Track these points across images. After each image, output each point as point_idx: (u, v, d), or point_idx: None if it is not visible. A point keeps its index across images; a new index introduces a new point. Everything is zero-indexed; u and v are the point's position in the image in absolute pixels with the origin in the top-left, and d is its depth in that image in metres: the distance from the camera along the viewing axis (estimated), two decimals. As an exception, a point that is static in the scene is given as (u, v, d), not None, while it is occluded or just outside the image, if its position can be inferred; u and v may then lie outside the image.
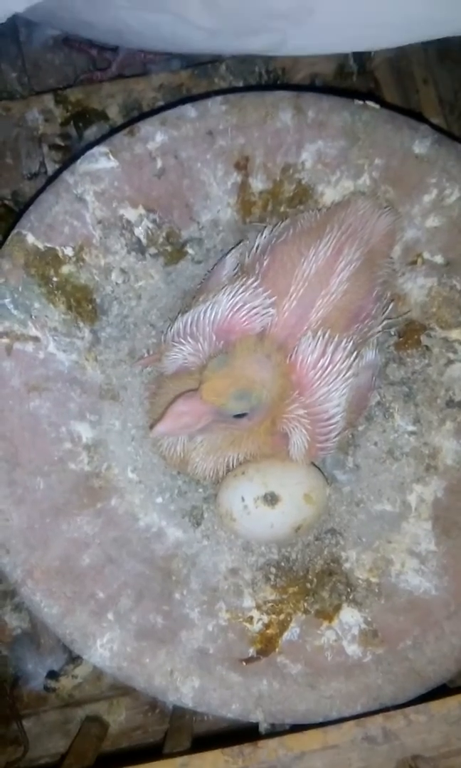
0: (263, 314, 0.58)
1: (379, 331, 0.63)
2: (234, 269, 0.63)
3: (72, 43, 0.89)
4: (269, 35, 0.66)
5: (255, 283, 0.58)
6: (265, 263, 0.60)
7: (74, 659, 0.74)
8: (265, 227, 0.64)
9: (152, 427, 0.57)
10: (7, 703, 0.74)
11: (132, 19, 0.67)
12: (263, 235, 0.63)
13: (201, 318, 0.58)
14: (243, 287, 0.58)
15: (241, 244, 0.66)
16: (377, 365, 0.64)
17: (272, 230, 0.63)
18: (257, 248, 0.63)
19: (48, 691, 0.75)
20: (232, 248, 0.66)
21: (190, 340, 0.58)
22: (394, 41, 0.72)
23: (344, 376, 0.58)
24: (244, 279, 0.59)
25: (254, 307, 0.57)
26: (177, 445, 0.61)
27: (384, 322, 0.64)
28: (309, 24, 0.62)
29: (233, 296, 0.58)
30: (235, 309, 0.57)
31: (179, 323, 0.60)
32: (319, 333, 0.57)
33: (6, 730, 0.73)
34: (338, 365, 0.57)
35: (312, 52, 0.76)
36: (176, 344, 0.59)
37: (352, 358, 0.58)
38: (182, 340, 0.58)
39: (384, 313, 0.63)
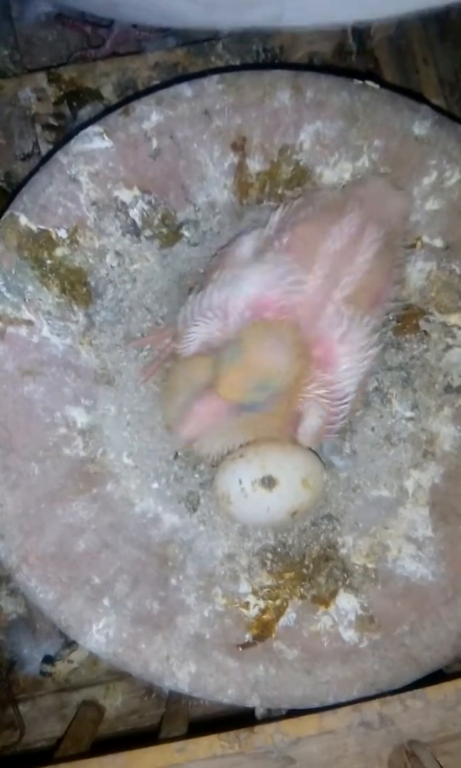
0: (297, 292, 0.56)
1: (390, 317, 0.63)
2: (256, 247, 0.62)
3: (65, 19, 0.87)
4: (265, 8, 0.65)
5: (286, 261, 0.57)
6: (285, 241, 0.59)
7: (70, 644, 0.74)
8: (278, 206, 0.63)
9: (172, 430, 0.56)
10: (3, 688, 0.74)
11: (126, -10, 0.66)
12: (279, 214, 0.62)
13: (231, 294, 0.57)
14: (279, 265, 0.57)
15: (258, 227, 0.64)
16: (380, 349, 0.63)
17: (286, 208, 0.62)
18: (273, 226, 0.61)
19: (44, 676, 0.75)
20: (249, 229, 0.64)
21: (219, 315, 0.57)
22: (392, 11, 0.70)
23: (365, 354, 0.57)
24: (275, 256, 0.58)
25: (291, 285, 0.56)
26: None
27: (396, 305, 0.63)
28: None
29: (267, 272, 0.56)
30: (270, 286, 0.56)
31: (202, 299, 0.58)
32: (343, 309, 0.57)
33: (2, 715, 0.73)
34: (359, 341, 0.57)
35: (309, 24, 0.74)
36: (200, 321, 0.57)
37: (375, 337, 0.58)
38: (210, 316, 0.57)
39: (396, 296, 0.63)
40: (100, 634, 0.58)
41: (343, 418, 0.59)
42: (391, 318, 0.67)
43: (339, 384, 0.57)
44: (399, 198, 0.63)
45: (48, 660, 0.74)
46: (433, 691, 0.54)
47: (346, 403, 0.58)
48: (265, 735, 0.53)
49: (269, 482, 0.59)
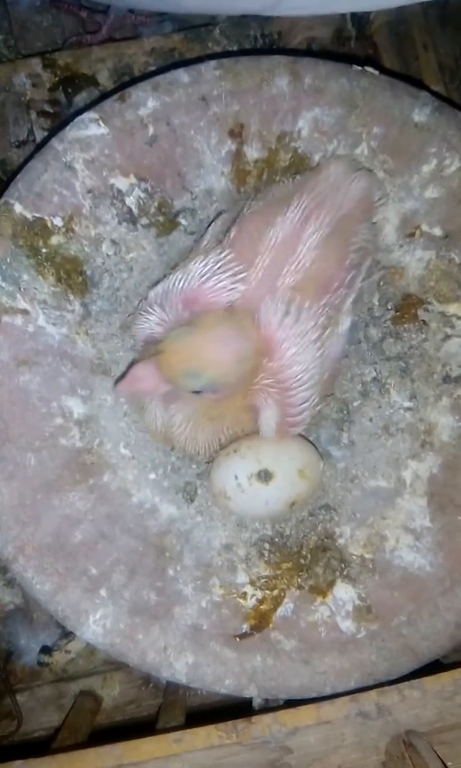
0: (232, 288, 0.56)
1: (356, 298, 0.62)
2: (212, 240, 0.61)
3: (60, 4, 0.86)
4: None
5: (228, 255, 0.56)
6: (232, 235, 0.58)
7: (67, 634, 0.74)
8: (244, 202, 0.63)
9: (115, 382, 0.57)
10: (0, 678, 0.74)
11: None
12: (239, 207, 0.62)
13: (170, 287, 0.57)
14: (214, 259, 0.56)
15: (221, 215, 0.64)
16: (349, 335, 0.62)
17: (247, 202, 0.62)
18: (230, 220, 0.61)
19: (41, 666, 0.75)
20: (212, 220, 0.64)
21: (156, 309, 0.57)
22: (393, 2, 0.70)
23: (312, 338, 0.56)
24: (217, 250, 0.57)
25: (223, 280, 0.56)
26: (157, 420, 0.60)
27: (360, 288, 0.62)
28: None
29: (203, 266, 0.56)
30: (203, 279, 0.56)
31: (152, 292, 0.59)
32: (284, 297, 0.56)
33: (-1, 705, 0.73)
34: (304, 325, 0.56)
35: (308, 12, 0.73)
36: (143, 313, 0.58)
37: (320, 322, 0.56)
38: (150, 310, 0.57)
39: (362, 281, 0.61)
40: (97, 625, 0.58)
41: (307, 408, 0.58)
42: (389, 307, 0.67)
43: (288, 372, 0.56)
44: (357, 180, 0.61)
45: (45, 650, 0.74)
46: (431, 682, 0.54)
47: (303, 389, 0.57)
48: (262, 725, 0.53)
49: (265, 476, 0.59)
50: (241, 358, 0.54)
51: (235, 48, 0.84)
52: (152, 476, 0.63)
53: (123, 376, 0.57)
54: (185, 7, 0.74)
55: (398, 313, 0.66)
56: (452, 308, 0.65)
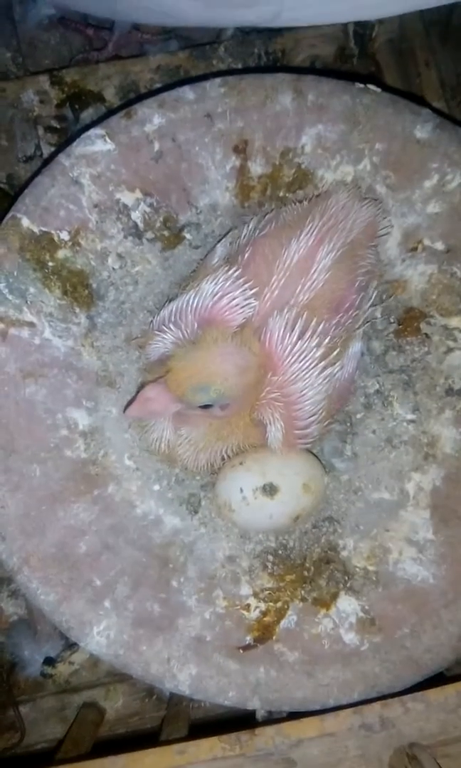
0: (245, 305, 0.57)
1: (366, 322, 0.63)
2: (222, 258, 0.62)
3: (67, 22, 0.87)
4: (263, 6, 0.65)
5: (237, 273, 0.57)
6: (246, 255, 0.59)
7: (71, 646, 0.74)
8: (251, 218, 0.64)
9: (125, 409, 0.57)
10: (3, 689, 0.74)
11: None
12: (249, 226, 0.62)
13: (185, 306, 0.57)
14: (226, 277, 0.57)
15: (231, 232, 0.65)
16: (360, 356, 0.63)
17: (256, 222, 0.63)
18: (241, 238, 0.62)
19: (45, 678, 0.75)
20: (221, 237, 0.65)
21: (172, 328, 0.58)
22: (392, 10, 0.71)
23: (316, 355, 0.57)
24: (228, 269, 0.58)
25: (235, 298, 0.56)
26: (162, 441, 0.61)
27: (369, 311, 0.63)
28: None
29: (215, 285, 0.57)
30: (216, 298, 0.57)
31: (165, 311, 0.59)
32: (288, 311, 0.56)
33: (2, 716, 0.73)
34: (309, 342, 0.56)
35: (307, 23, 0.75)
36: (159, 332, 0.59)
37: (328, 341, 0.57)
38: (166, 328, 0.58)
39: (369, 302, 0.62)
40: (101, 636, 0.58)
41: (315, 423, 0.58)
42: (392, 320, 0.67)
43: (292, 386, 0.56)
44: (365, 208, 0.63)
45: (49, 662, 0.74)
46: (434, 694, 0.54)
47: (308, 404, 0.57)
48: (266, 737, 0.53)
49: (270, 489, 0.59)
50: (243, 370, 0.55)
51: (239, 65, 0.85)
52: (156, 487, 0.64)
53: (132, 401, 0.57)
54: (185, 20, 0.75)
55: (400, 327, 0.67)
56: (454, 321, 0.66)
